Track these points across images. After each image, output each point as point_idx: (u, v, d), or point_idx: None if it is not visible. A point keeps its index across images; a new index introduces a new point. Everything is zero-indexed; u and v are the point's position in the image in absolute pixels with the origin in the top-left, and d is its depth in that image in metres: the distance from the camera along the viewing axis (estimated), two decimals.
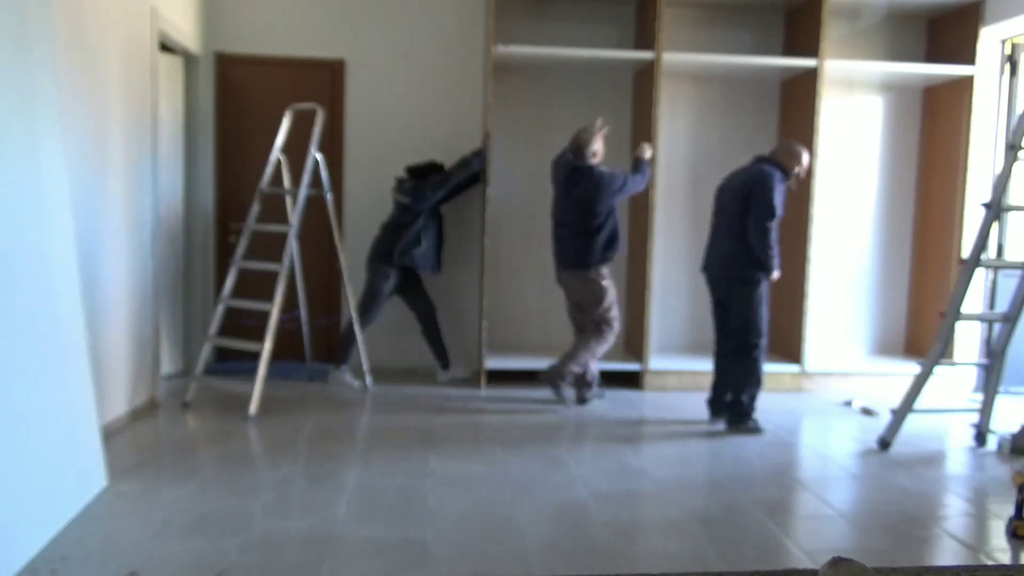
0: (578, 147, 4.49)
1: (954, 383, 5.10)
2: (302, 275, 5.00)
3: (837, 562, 1.90)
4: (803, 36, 5.18)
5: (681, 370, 5.12)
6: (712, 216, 4.31)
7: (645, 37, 5.10)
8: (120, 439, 3.70)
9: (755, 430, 4.16)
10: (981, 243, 3.92)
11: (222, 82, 5.22)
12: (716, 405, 4.37)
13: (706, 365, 5.12)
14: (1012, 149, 3.90)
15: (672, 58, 4.94)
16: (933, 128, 5.48)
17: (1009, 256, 5.10)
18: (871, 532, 2.92)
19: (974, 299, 4.93)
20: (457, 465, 3.50)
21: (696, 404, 4.68)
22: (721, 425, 4.29)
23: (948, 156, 5.30)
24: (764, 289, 4.11)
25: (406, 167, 5.00)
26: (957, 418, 4.48)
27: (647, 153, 4.62)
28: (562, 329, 5.50)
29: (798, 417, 4.60)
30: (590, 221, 4.47)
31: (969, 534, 2.92)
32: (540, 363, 5.09)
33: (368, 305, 4.98)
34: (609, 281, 4.58)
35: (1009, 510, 2.93)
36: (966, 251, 4.65)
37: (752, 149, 5.55)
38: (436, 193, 4.89)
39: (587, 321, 4.64)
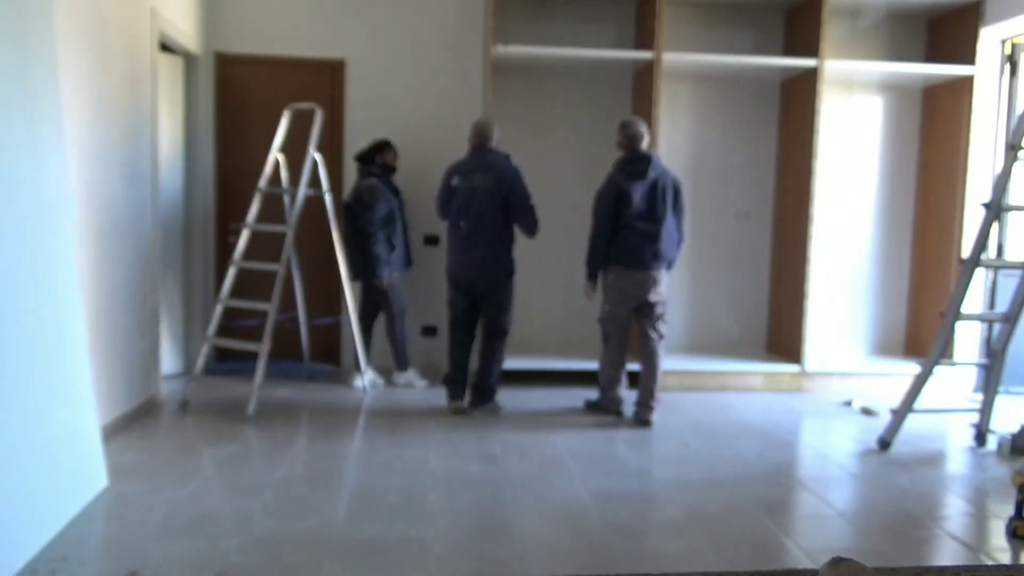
0: (636, 137, 4.24)
1: (954, 383, 5.10)
2: (300, 275, 5.00)
3: (837, 562, 1.90)
4: (803, 36, 5.18)
5: (681, 370, 5.11)
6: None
7: (645, 37, 5.10)
8: (120, 439, 3.70)
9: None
10: (981, 243, 3.91)
11: (222, 82, 5.22)
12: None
13: (706, 365, 5.14)
14: (1012, 149, 3.90)
15: (672, 58, 4.94)
16: (933, 128, 5.48)
17: (1009, 256, 5.10)
18: (871, 532, 2.92)
19: (974, 299, 4.93)
20: (457, 465, 3.51)
21: (697, 404, 4.69)
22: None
23: (948, 156, 5.29)
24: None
25: (355, 155, 4.93)
26: (957, 418, 4.48)
27: None
28: (561, 329, 5.51)
29: (798, 417, 4.60)
30: (666, 213, 4.23)
31: (969, 534, 2.92)
32: (539, 364, 5.09)
33: (394, 317, 4.95)
34: None
35: (1009, 510, 2.93)
36: (966, 251, 4.65)
37: (752, 149, 5.58)
38: (377, 208, 4.75)
39: (649, 328, 4.29)
